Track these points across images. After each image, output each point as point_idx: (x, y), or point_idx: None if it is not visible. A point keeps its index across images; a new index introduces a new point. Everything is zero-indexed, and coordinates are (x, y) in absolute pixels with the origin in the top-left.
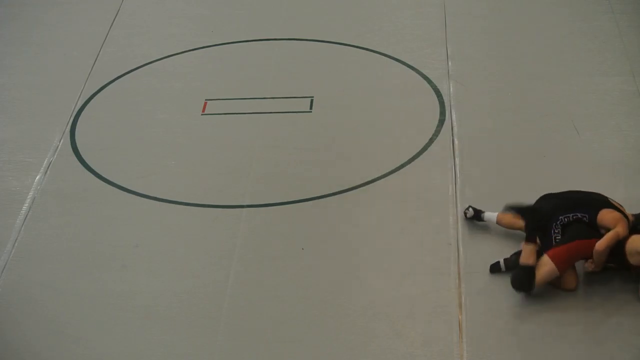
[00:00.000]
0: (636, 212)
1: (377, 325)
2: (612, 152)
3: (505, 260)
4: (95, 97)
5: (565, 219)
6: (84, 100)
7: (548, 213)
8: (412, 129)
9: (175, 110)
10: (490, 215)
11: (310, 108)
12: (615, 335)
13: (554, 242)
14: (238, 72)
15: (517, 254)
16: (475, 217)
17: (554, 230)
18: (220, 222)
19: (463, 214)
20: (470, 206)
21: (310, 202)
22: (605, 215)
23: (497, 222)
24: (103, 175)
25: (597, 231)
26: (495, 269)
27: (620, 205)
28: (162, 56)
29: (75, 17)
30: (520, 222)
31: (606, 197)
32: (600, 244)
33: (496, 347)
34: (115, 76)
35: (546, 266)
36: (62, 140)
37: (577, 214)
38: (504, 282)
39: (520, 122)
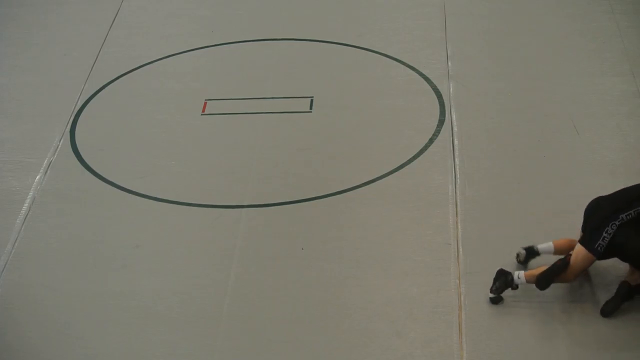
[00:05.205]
0: None
1: (377, 326)
2: (612, 153)
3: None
4: (95, 97)
5: (627, 217)
6: (84, 100)
7: (604, 215)
8: (412, 129)
9: (175, 110)
10: (546, 247)
11: (310, 108)
12: (619, 334)
13: (599, 242)
14: (238, 72)
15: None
16: (529, 255)
17: (606, 231)
18: (221, 222)
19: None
20: (522, 248)
21: (310, 202)
22: None
23: (556, 249)
24: (103, 176)
25: None
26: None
27: None
28: (162, 56)
29: (75, 18)
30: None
31: None
32: None
33: (496, 347)
34: (115, 76)
35: None
36: (62, 141)
37: (638, 209)
38: None
39: (520, 122)
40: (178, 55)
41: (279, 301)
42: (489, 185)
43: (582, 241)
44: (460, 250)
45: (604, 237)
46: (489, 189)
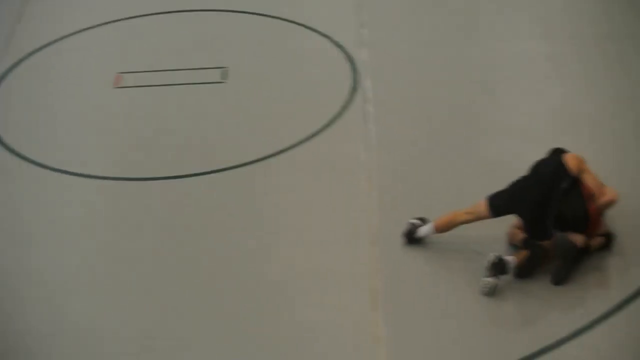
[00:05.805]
0: None
1: (291, 295)
2: (527, 116)
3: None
4: (9, 74)
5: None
6: None
7: (540, 201)
8: (325, 97)
9: (88, 84)
10: (426, 229)
11: (224, 78)
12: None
13: (548, 230)
14: (151, 44)
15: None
16: (410, 237)
17: (548, 219)
18: (135, 195)
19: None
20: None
21: (224, 173)
22: (570, 162)
23: (437, 230)
24: (18, 151)
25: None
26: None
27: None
28: (74, 30)
29: None
30: (460, 217)
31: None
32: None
33: (411, 314)
34: (29, 52)
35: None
36: None
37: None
38: (418, 250)
39: (437, 88)
40: (90, 30)
41: (191, 272)
42: (403, 152)
43: (533, 236)
44: (374, 218)
45: (549, 225)
46: (403, 156)
